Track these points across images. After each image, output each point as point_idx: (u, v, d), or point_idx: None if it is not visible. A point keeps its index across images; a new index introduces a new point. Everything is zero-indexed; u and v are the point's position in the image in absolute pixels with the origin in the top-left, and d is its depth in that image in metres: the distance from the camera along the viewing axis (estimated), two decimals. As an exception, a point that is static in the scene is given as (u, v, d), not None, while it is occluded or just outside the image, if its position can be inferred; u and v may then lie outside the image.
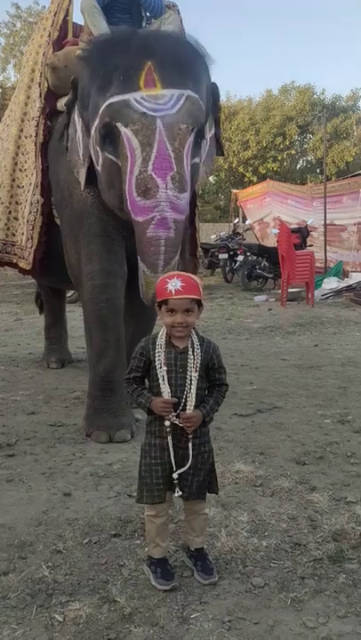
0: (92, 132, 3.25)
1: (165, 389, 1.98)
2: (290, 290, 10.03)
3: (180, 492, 2.03)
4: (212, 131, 3.58)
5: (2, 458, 3.18)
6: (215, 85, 3.45)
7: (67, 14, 4.07)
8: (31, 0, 27.61)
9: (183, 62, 3.13)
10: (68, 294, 6.56)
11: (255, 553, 2.23)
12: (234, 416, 3.88)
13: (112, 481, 2.88)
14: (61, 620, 1.86)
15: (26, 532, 2.39)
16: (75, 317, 6.51)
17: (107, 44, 3.22)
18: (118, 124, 3.01)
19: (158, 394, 2.00)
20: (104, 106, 3.06)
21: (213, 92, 3.45)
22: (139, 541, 2.31)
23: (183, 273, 2.07)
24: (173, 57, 3.11)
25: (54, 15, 4.09)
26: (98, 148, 3.22)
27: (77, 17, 4.03)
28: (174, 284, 1.94)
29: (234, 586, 2.04)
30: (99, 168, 3.28)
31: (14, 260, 4.50)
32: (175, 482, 2.01)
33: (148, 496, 2.03)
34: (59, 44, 4.03)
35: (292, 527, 2.42)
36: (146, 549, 2.16)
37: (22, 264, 4.39)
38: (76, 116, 3.49)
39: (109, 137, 3.10)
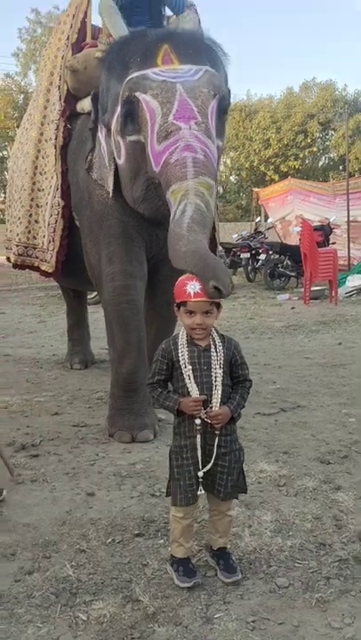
0: (113, 125, 3.21)
1: (193, 388, 1.97)
2: (313, 288, 9.94)
3: (208, 491, 2.03)
4: (221, 142, 3.45)
5: (26, 458, 3.21)
6: (228, 91, 3.32)
7: (85, 16, 4.07)
8: (51, 5, 27.96)
9: (200, 47, 3.14)
10: (90, 296, 6.60)
11: (279, 553, 2.21)
12: (257, 415, 3.85)
13: (135, 481, 2.88)
14: (85, 618, 1.87)
15: (50, 532, 2.41)
16: (97, 319, 6.55)
17: (125, 42, 3.23)
18: (137, 94, 2.94)
19: (185, 394, 1.99)
20: (123, 84, 3.02)
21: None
22: (162, 541, 2.31)
23: None
24: (190, 42, 3.12)
25: (72, 18, 4.11)
26: (119, 138, 3.15)
27: (96, 19, 4.05)
28: (193, 287, 1.95)
29: (258, 586, 2.02)
30: (121, 161, 3.20)
31: (36, 264, 4.54)
32: (200, 480, 2.00)
33: (183, 498, 2.02)
34: (77, 46, 4.04)
35: (316, 527, 2.39)
36: (169, 549, 2.15)
37: (44, 267, 4.42)
38: (99, 134, 3.50)
39: (130, 115, 3.01)
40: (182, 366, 1.99)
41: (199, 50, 3.11)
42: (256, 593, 1.98)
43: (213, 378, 1.98)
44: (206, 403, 1.97)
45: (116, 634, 1.80)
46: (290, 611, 1.89)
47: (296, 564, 2.14)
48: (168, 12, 4.06)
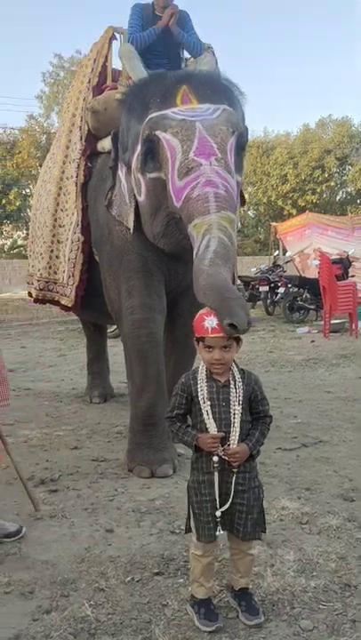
0: (134, 163, 3.29)
1: (211, 424, 1.95)
2: (333, 321, 9.87)
3: (222, 532, 1.97)
4: (240, 177, 3.49)
5: (45, 493, 3.19)
6: (246, 128, 3.39)
7: (105, 60, 4.23)
8: (73, 50, 29.01)
9: (217, 87, 3.22)
10: (110, 329, 6.64)
11: (303, 594, 2.14)
12: (278, 450, 3.79)
13: (154, 517, 2.84)
14: (104, 661, 1.82)
15: (68, 570, 2.37)
16: (116, 352, 6.57)
17: (144, 84, 3.34)
18: (157, 132, 3.01)
19: (203, 429, 1.97)
20: (144, 124, 3.11)
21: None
22: (182, 580, 2.26)
23: None
24: (208, 82, 3.21)
25: (93, 62, 4.26)
26: (139, 176, 3.22)
27: (116, 63, 4.20)
28: (211, 322, 1.95)
29: (281, 628, 1.95)
30: (142, 197, 3.26)
31: (56, 298, 4.61)
32: (218, 520, 1.96)
33: (202, 535, 1.98)
34: (98, 88, 4.19)
35: (341, 567, 2.32)
36: (189, 589, 2.10)
37: (64, 301, 4.49)
38: (120, 172, 3.58)
39: (150, 153, 3.08)
40: (201, 402, 1.98)
41: (217, 90, 3.19)
42: (279, 636, 1.92)
43: (232, 414, 1.96)
44: (224, 439, 1.94)
45: None
46: (315, 655, 1.82)
47: (321, 606, 2.07)
48: (186, 54, 4.19)
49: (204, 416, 1.96)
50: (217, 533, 1.96)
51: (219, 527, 1.96)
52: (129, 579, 2.29)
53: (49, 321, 13.54)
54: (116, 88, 3.93)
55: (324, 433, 4.18)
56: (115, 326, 6.75)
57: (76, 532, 2.72)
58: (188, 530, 2.07)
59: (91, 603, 2.13)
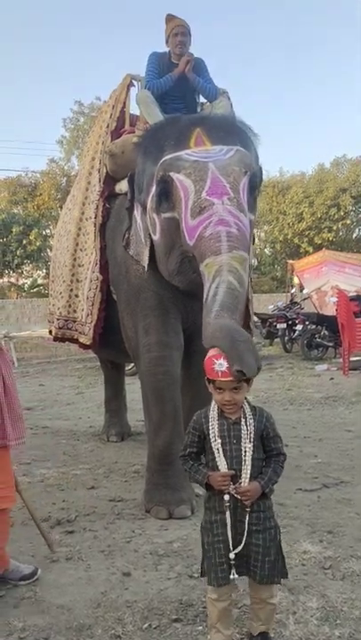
0: (149, 204, 3.35)
1: (222, 462, 1.94)
2: (352, 358, 9.77)
3: (236, 576, 1.92)
4: (253, 216, 3.43)
5: (61, 534, 3.14)
6: (260, 168, 3.43)
7: (124, 106, 4.36)
8: (93, 97, 29.99)
9: (231, 129, 3.28)
10: (127, 367, 6.64)
11: (327, 643, 2.05)
12: (298, 491, 3.71)
13: (172, 560, 2.77)
14: None
15: (84, 615, 2.31)
16: (134, 390, 6.55)
17: (159, 128, 3.43)
18: (171, 173, 3.07)
19: (215, 467, 1.96)
20: (158, 165, 3.17)
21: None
22: (200, 627, 2.18)
23: None
24: (221, 125, 3.27)
25: (112, 108, 4.40)
26: (154, 215, 3.27)
27: (134, 108, 4.33)
28: (220, 366, 1.94)
29: None
30: (157, 236, 3.31)
31: (75, 336, 4.65)
32: (233, 562, 1.91)
33: (213, 578, 1.93)
34: (117, 133, 4.31)
35: (366, 615, 2.23)
36: (208, 637, 2.03)
37: (83, 339, 4.52)
38: (136, 213, 3.65)
39: (164, 194, 3.13)
40: (212, 439, 1.97)
41: (230, 132, 3.26)
42: None
43: (243, 452, 1.94)
44: (235, 477, 1.92)
45: None
46: None
47: (346, 657, 1.98)
48: (202, 99, 4.31)
49: (215, 454, 1.95)
50: (231, 577, 1.91)
51: (233, 570, 1.91)
52: (146, 625, 2.22)
53: (67, 359, 13.61)
54: (134, 132, 4.05)
55: (345, 473, 4.08)
56: (132, 364, 6.76)
57: (93, 575, 2.66)
58: (203, 573, 2.02)
59: (107, 650, 2.06)
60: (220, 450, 1.95)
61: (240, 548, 1.90)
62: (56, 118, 59.15)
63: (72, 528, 3.22)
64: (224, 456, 1.94)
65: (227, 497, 1.92)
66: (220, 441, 1.95)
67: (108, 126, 4.36)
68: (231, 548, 1.91)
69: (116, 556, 2.86)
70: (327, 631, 2.13)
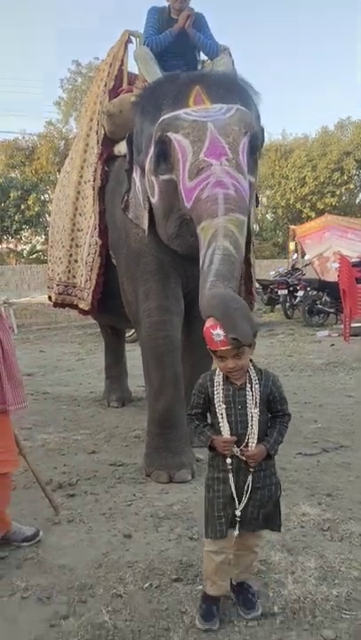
0: (147, 165, 3.27)
1: (225, 427, 1.95)
2: (353, 324, 9.75)
3: (238, 532, 1.98)
4: (253, 178, 3.35)
5: (63, 498, 3.17)
6: (262, 129, 3.35)
7: (122, 64, 4.23)
8: (91, 56, 29.18)
9: (231, 87, 3.18)
10: (128, 334, 6.63)
11: (325, 602, 2.09)
12: (298, 456, 3.73)
13: (173, 523, 2.81)
14: (121, 669, 1.79)
15: (86, 575, 2.35)
16: (135, 357, 6.57)
17: (157, 85, 3.32)
18: (169, 134, 3.00)
19: (218, 431, 1.97)
20: (156, 125, 3.09)
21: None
22: (200, 587, 2.21)
23: None
24: (221, 83, 3.18)
25: (110, 66, 4.27)
26: (152, 177, 3.21)
27: (133, 66, 4.20)
28: (218, 336, 1.91)
29: (303, 638, 1.91)
30: (155, 199, 3.25)
31: (75, 302, 4.62)
32: (238, 519, 1.96)
33: (211, 530, 2.00)
34: (114, 92, 4.19)
35: (364, 575, 2.26)
36: (202, 587, 2.09)
37: (82, 305, 4.50)
38: (135, 175, 3.57)
39: (162, 155, 3.07)
40: (216, 405, 1.98)
41: (230, 90, 3.16)
42: (301, 646, 1.87)
43: (249, 417, 1.95)
44: (240, 441, 1.94)
45: None
46: (338, 667, 1.77)
47: (343, 615, 2.02)
48: (203, 56, 4.17)
49: (219, 419, 1.97)
50: (235, 533, 1.97)
51: (237, 526, 1.97)
52: (147, 585, 2.26)
53: (67, 325, 13.62)
54: (132, 91, 3.93)
55: (345, 438, 4.10)
56: (133, 330, 6.75)
57: (94, 537, 2.70)
58: (207, 530, 2.07)
59: (108, 609, 2.10)
60: (225, 415, 1.95)
61: (243, 504, 1.95)
62: (53, 79, 58.12)
63: (73, 491, 3.25)
64: (228, 421, 1.95)
65: (229, 460, 1.95)
66: (224, 406, 1.96)
67: (105, 85, 4.24)
68: (237, 505, 1.95)
69: (117, 518, 2.89)
70: (325, 590, 2.16)
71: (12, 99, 41.06)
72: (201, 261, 2.65)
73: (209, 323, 1.98)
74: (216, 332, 1.91)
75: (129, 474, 3.53)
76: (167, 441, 3.49)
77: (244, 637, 1.92)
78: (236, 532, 1.97)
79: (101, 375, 6.09)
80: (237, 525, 1.97)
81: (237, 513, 1.95)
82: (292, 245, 16.19)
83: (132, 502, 3.09)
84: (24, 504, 3.06)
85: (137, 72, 4.08)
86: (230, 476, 1.95)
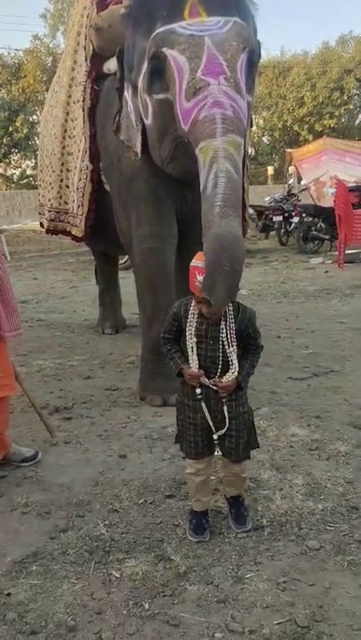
0: (140, 83, 3.12)
1: (194, 361, 1.97)
2: (348, 251, 9.68)
3: (221, 453, 2.08)
4: (251, 97, 3.15)
5: (60, 420, 3.27)
6: (258, 43, 3.13)
7: (111, -28, 3.94)
8: None
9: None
10: (121, 261, 6.58)
11: (311, 516, 2.21)
12: (289, 380, 3.82)
13: (166, 444, 2.91)
14: (118, 576, 1.92)
15: (83, 492, 2.46)
16: (128, 284, 6.56)
17: None
18: (164, 49, 2.83)
19: (187, 362, 2.00)
20: (150, 40, 2.92)
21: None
22: (193, 502, 2.33)
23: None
24: None
25: (98, -27, 3.98)
26: (146, 97, 3.07)
27: (122, -27, 3.91)
28: (199, 283, 1.91)
29: (289, 548, 2.03)
30: (149, 120, 3.13)
31: (67, 228, 4.54)
32: (216, 442, 2.04)
33: (185, 451, 2.11)
34: (103, 4, 3.92)
35: (348, 491, 2.38)
36: (190, 504, 2.21)
37: (74, 231, 4.43)
38: (126, 94, 3.40)
39: (157, 72, 2.92)
40: (188, 337, 1.98)
41: (227, 1, 2.96)
42: (287, 554, 1.99)
43: (221, 353, 1.95)
44: (208, 374, 1.97)
45: (149, 591, 1.84)
46: (321, 573, 1.89)
47: (328, 527, 2.14)
48: None
49: (188, 352, 1.98)
50: (216, 454, 2.09)
51: (217, 449, 2.07)
52: (142, 501, 2.37)
53: (60, 252, 13.51)
54: (122, 2, 3.67)
55: (335, 362, 4.19)
56: (126, 257, 6.70)
57: (91, 457, 2.81)
58: (177, 440, 2.18)
59: (105, 523, 2.22)
60: (195, 349, 1.97)
61: (222, 431, 2.01)
62: (38, -11, 54.19)
63: (70, 415, 3.35)
64: (197, 354, 1.97)
65: (198, 390, 1.99)
66: (195, 340, 1.97)
67: (93, -4, 3.97)
68: (214, 431, 2.02)
69: (113, 439, 3.00)
70: (311, 505, 2.28)
71: (-5, 10, 38.55)
72: (203, 183, 2.57)
73: (198, 262, 1.95)
74: (199, 279, 1.90)
75: (123, 398, 3.63)
76: (161, 366, 3.54)
77: (233, 547, 2.05)
78: (218, 454, 2.07)
79: (95, 303, 6.11)
80: (217, 449, 2.06)
81: (215, 437, 2.02)
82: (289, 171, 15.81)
83: (126, 424, 3.19)
84: (22, 427, 3.16)
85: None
86: (203, 405, 2.00)
